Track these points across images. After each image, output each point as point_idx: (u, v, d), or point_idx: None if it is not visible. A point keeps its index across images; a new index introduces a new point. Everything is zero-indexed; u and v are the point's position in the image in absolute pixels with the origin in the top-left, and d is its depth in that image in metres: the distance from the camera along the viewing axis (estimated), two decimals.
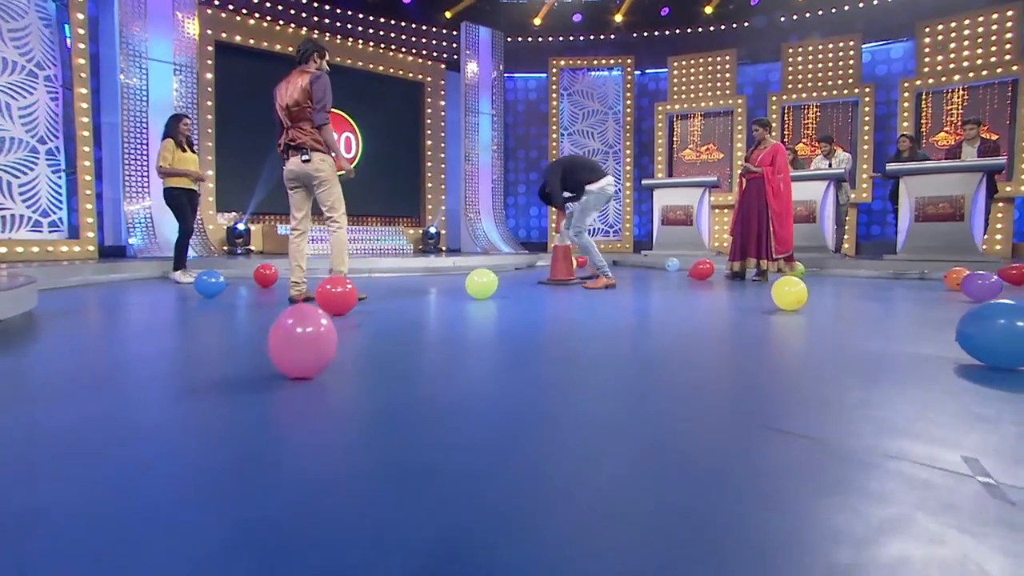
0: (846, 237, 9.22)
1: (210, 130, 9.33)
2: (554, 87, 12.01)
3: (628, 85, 11.96)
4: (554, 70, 12.00)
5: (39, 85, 6.78)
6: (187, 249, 6.25)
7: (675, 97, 11.77)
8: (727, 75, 11.34)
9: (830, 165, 8.14)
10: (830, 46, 10.40)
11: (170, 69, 8.32)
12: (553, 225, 12.20)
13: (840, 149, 8.43)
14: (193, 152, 6.30)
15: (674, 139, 11.87)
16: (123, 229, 7.91)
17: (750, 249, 6.51)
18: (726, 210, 11.42)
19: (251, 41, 9.72)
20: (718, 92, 11.42)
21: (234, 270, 7.10)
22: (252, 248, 9.60)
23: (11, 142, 6.57)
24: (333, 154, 4.21)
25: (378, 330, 3.08)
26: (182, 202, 6.13)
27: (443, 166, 12.30)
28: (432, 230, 11.57)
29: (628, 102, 11.98)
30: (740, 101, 11.16)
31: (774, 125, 10.11)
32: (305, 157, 4.08)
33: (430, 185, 12.12)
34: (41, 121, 6.82)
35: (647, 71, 12.56)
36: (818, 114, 10.53)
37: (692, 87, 11.64)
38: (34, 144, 6.76)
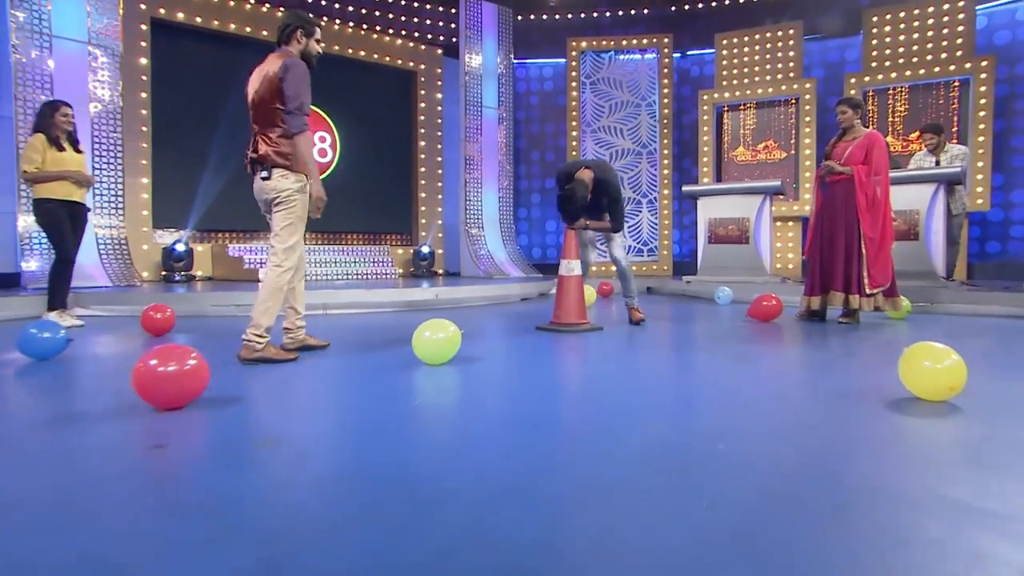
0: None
1: (145, 128, 8.27)
2: (574, 74, 10.70)
3: (665, 70, 10.59)
4: (573, 54, 10.70)
5: None
6: (67, 281, 5.05)
7: (724, 83, 10.35)
8: (790, 53, 9.89)
9: (937, 163, 6.63)
10: (929, 9, 8.86)
11: (84, 50, 7.25)
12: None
13: (952, 142, 6.90)
14: (78, 151, 5.13)
15: (723, 135, 10.43)
16: (17, 251, 6.80)
17: (835, 280, 5.06)
18: (790, 223, 9.91)
19: (197, 19, 8.65)
20: (779, 75, 9.97)
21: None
22: (196, 274, 8.45)
23: None
24: (309, 178, 3.43)
25: (184, 458, 1.74)
26: (58, 218, 4.95)
27: (440, 172, 11.07)
28: (425, 250, 10.31)
29: (665, 91, 10.59)
30: (808, 86, 9.69)
31: None
32: (264, 174, 3.38)
33: (424, 195, 10.89)
34: None
35: (689, 52, 11.18)
36: (908, 99, 9.00)
37: (746, 70, 10.21)
38: None
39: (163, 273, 8.23)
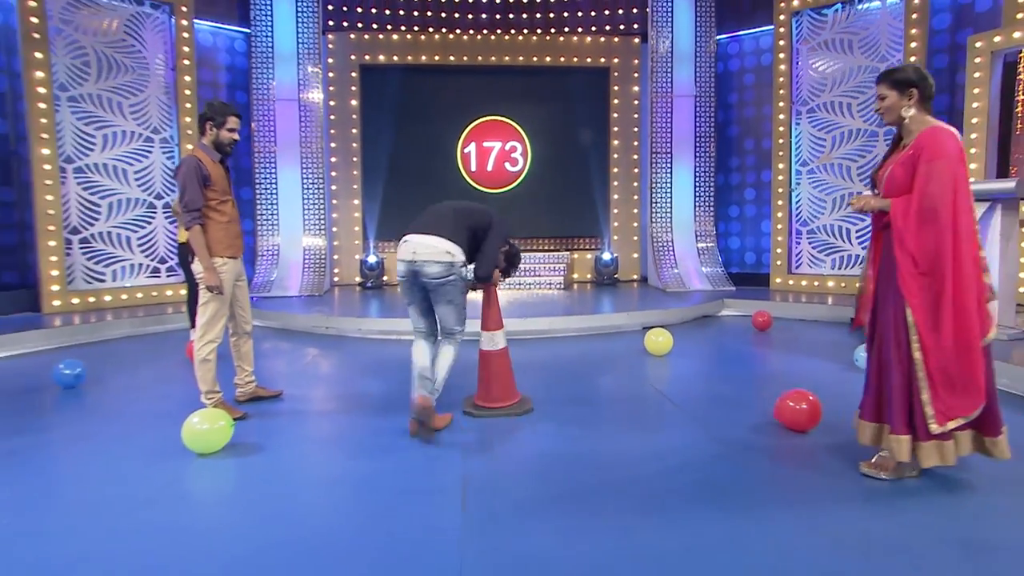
0: None
1: (356, 158, 9.57)
2: (782, 42, 8.24)
3: (914, 14, 7.32)
4: (782, 16, 8.22)
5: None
6: None
7: (1019, 18, 6.67)
8: None
9: None
10: None
11: (295, 106, 8.75)
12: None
13: None
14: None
15: (1018, 102, 6.79)
16: None
17: (887, 405, 2.96)
18: None
19: (395, 58, 9.52)
20: None
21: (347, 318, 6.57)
22: (386, 279, 9.50)
23: None
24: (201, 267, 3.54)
25: None
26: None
27: (636, 171, 9.99)
28: (606, 256, 9.53)
29: (914, 45, 7.34)
30: None
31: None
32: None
33: (616, 196, 9.99)
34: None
35: None
36: None
37: None
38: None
39: (358, 280, 9.49)
